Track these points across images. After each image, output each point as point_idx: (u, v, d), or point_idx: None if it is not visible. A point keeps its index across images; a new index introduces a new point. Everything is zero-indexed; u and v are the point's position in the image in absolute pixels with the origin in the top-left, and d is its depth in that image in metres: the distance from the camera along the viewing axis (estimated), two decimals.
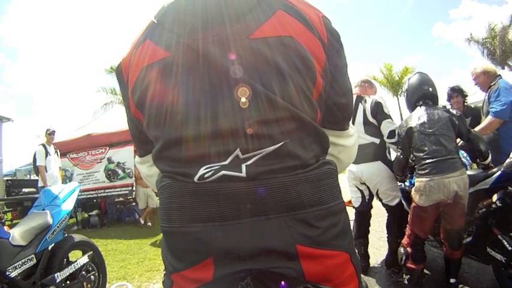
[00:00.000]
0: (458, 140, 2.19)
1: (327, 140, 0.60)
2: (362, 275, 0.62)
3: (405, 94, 2.26)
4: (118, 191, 5.93)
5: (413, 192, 1.98)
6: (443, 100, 2.23)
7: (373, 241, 2.88)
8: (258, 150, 0.52)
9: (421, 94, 2.12)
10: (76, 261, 2.13)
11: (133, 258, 3.49)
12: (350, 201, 2.82)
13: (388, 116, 2.39)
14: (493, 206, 1.96)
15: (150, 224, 5.41)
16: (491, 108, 2.46)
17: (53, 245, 2.03)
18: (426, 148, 1.93)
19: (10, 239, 1.74)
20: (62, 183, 5.07)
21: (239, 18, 0.54)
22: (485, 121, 2.48)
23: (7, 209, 6.95)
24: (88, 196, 6.01)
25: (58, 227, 2.02)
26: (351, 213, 2.68)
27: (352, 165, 2.54)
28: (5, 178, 11.13)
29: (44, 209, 2.10)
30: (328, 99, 0.60)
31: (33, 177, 11.33)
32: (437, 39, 63.32)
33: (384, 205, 2.55)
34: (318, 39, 0.56)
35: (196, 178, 0.53)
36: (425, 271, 2.35)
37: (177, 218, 0.56)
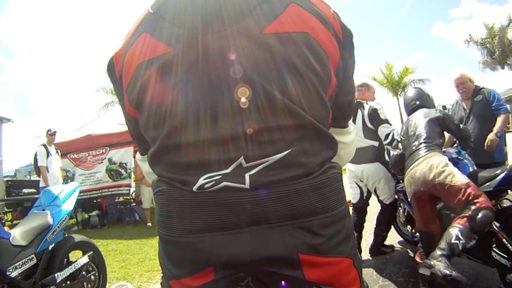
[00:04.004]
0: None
1: (335, 144, 0.58)
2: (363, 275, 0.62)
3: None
4: (121, 190, 5.99)
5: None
6: (445, 97, 2.42)
7: (365, 236, 2.96)
8: (263, 158, 0.49)
9: (411, 109, 2.43)
10: (76, 261, 2.13)
11: (134, 259, 3.49)
12: (349, 202, 2.89)
13: (384, 121, 2.58)
14: (497, 208, 1.94)
15: (150, 224, 5.41)
16: (501, 106, 2.72)
17: (53, 245, 2.02)
18: (407, 149, 2.19)
19: (10, 239, 1.74)
20: (64, 183, 5.07)
21: (248, 12, 0.50)
22: (501, 120, 2.67)
23: (7, 210, 6.94)
24: (91, 196, 6.03)
25: (58, 227, 2.02)
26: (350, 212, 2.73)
27: (352, 165, 2.75)
28: (5, 179, 11.12)
29: (44, 209, 2.10)
30: (336, 97, 0.59)
31: (34, 177, 11.35)
32: (437, 39, 63.35)
33: (380, 201, 2.79)
34: (333, 37, 0.54)
35: (195, 188, 0.51)
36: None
37: (176, 227, 0.54)
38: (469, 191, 1.73)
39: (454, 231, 1.66)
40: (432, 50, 65.57)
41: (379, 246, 2.87)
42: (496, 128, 2.60)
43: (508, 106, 2.78)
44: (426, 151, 1.98)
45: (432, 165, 1.88)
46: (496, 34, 16.63)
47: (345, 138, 0.69)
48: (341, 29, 0.56)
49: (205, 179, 0.50)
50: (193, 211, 0.52)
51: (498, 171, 1.90)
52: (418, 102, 2.38)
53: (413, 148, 2.06)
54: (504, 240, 1.80)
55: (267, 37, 0.49)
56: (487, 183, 1.91)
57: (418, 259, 2.07)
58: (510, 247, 1.76)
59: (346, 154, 0.72)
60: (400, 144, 2.37)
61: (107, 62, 0.61)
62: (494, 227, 1.84)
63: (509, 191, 1.93)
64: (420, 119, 2.18)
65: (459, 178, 1.79)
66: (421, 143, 2.04)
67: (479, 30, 21.20)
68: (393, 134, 2.51)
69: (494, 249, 1.87)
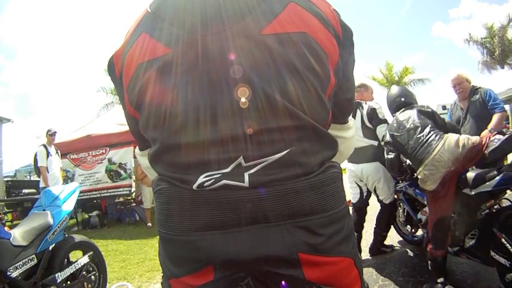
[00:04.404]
0: None
1: (335, 144, 0.58)
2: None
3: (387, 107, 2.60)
4: (120, 191, 5.99)
5: (420, 183, 2.08)
6: (445, 97, 2.44)
7: (365, 235, 2.97)
8: (262, 158, 0.50)
9: (396, 105, 2.44)
10: (77, 261, 2.13)
11: (134, 259, 3.49)
12: (349, 201, 2.90)
13: (383, 121, 2.60)
14: (496, 208, 1.93)
15: (150, 224, 5.41)
16: (497, 105, 2.75)
17: (53, 245, 2.03)
18: (410, 144, 2.13)
19: (11, 239, 1.74)
20: (64, 183, 5.07)
21: (247, 13, 0.50)
22: (497, 118, 2.71)
23: (7, 210, 6.95)
24: (91, 196, 6.04)
25: (59, 227, 2.02)
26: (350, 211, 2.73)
27: (352, 165, 2.77)
28: (5, 179, 11.11)
29: (44, 210, 2.11)
30: (335, 95, 0.59)
31: (34, 177, 11.35)
32: (437, 39, 63.32)
33: (379, 201, 2.80)
34: (333, 36, 0.53)
35: (195, 186, 0.51)
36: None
37: (175, 226, 0.54)
38: (485, 138, 1.96)
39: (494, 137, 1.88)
40: (432, 50, 65.53)
41: (379, 246, 2.88)
42: (490, 125, 2.63)
43: (508, 106, 2.83)
44: (439, 135, 2.02)
45: (456, 141, 1.96)
46: (495, 34, 16.61)
47: (346, 133, 0.70)
48: (341, 27, 0.55)
49: (205, 177, 0.50)
50: (193, 209, 0.52)
51: (496, 172, 1.89)
52: (403, 99, 2.43)
53: (423, 138, 2.04)
54: (503, 240, 1.80)
55: (266, 38, 0.49)
56: (486, 184, 1.89)
57: (433, 250, 2.07)
58: (509, 247, 1.76)
59: (346, 149, 0.72)
60: (389, 145, 2.36)
61: (107, 61, 0.62)
62: (493, 226, 1.85)
63: (508, 191, 1.93)
64: (414, 113, 2.22)
65: (474, 138, 1.98)
66: (429, 132, 2.06)
67: (479, 30, 21.18)
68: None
69: (493, 249, 1.87)
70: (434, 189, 2.00)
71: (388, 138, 2.34)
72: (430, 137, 2.03)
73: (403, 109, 2.35)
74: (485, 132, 2.58)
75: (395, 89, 2.59)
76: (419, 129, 2.11)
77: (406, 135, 2.17)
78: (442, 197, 2.00)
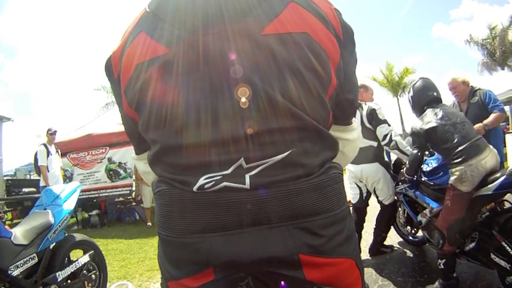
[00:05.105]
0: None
1: (336, 144, 0.58)
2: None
3: (411, 100, 2.39)
4: (119, 191, 5.98)
5: (454, 181, 1.97)
6: (445, 98, 2.38)
7: (365, 236, 2.98)
8: (263, 160, 0.49)
9: (428, 100, 2.25)
10: (77, 260, 2.14)
11: (134, 258, 3.50)
12: (349, 202, 2.90)
13: (383, 122, 2.57)
14: (496, 210, 1.93)
15: (150, 223, 5.41)
16: (497, 106, 2.76)
17: (54, 244, 2.03)
18: (455, 137, 1.99)
19: (12, 238, 1.74)
20: (63, 183, 5.08)
21: (248, 12, 0.49)
22: (494, 116, 2.70)
23: (7, 209, 6.96)
24: (89, 196, 6.03)
25: (59, 226, 2.03)
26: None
27: (351, 166, 2.77)
28: (5, 178, 11.11)
29: (45, 209, 2.11)
30: (337, 96, 0.58)
31: (34, 176, 11.36)
32: (437, 40, 63.32)
33: (379, 202, 2.81)
34: (333, 36, 0.53)
35: (195, 188, 0.51)
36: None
37: (175, 228, 0.53)
38: None
39: None
40: (433, 50, 65.56)
41: (378, 247, 2.89)
42: (486, 121, 2.62)
43: (508, 107, 2.84)
44: (484, 143, 2.00)
45: (496, 156, 1.99)
46: (496, 35, 16.58)
47: (349, 135, 0.68)
48: (341, 27, 0.55)
49: (205, 179, 0.50)
50: (194, 211, 0.52)
51: (498, 175, 1.87)
52: (435, 94, 2.25)
53: (471, 137, 1.99)
54: (503, 242, 1.79)
55: (267, 38, 0.49)
56: (486, 187, 1.88)
57: (449, 248, 2.04)
58: (509, 249, 1.76)
59: (351, 151, 0.71)
60: (418, 138, 2.21)
61: (104, 61, 0.61)
62: (493, 229, 1.85)
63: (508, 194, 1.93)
64: (459, 111, 2.19)
65: None
66: (476, 134, 2.05)
67: (480, 31, 21.17)
68: (391, 135, 2.50)
69: (493, 251, 1.86)
70: (468, 192, 1.94)
71: (420, 128, 2.14)
72: (478, 139, 1.99)
73: (440, 105, 2.21)
74: (478, 125, 2.56)
75: (424, 82, 2.34)
76: (467, 125, 2.05)
77: (452, 127, 2.03)
78: (468, 199, 1.96)
